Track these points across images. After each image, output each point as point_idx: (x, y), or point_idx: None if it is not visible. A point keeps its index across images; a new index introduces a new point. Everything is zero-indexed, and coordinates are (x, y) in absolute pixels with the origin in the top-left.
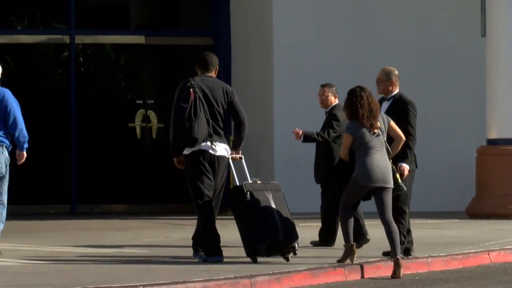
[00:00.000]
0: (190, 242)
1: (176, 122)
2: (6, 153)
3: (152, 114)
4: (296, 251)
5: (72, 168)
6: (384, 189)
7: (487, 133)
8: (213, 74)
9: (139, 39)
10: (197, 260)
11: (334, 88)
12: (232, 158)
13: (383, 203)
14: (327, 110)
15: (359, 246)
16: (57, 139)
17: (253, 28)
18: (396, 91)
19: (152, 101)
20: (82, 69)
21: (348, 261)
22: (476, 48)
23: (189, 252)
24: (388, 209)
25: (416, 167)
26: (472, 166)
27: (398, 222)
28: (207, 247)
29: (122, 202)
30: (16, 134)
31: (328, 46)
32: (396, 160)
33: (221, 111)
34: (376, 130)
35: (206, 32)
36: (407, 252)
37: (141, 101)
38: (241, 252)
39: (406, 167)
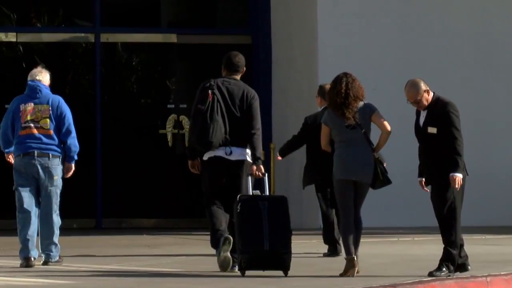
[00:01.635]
0: None
1: (192, 124)
2: (61, 165)
3: (184, 120)
4: (289, 266)
5: (97, 178)
6: (360, 184)
7: None
8: (238, 76)
9: (170, 38)
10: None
11: None
12: (252, 175)
13: (357, 196)
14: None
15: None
16: (80, 146)
17: (295, 26)
18: (431, 97)
19: (185, 106)
20: (108, 71)
21: (349, 274)
22: None
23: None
24: (358, 205)
25: (467, 174)
26: None
27: (448, 236)
28: (215, 244)
29: (152, 216)
30: (68, 142)
31: (377, 46)
32: (445, 169)
33: (240, 116)
34: (349, 122)
35: (245, 30)
36: (463, 267)
37: (172, 106)
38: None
39: (458, 176)
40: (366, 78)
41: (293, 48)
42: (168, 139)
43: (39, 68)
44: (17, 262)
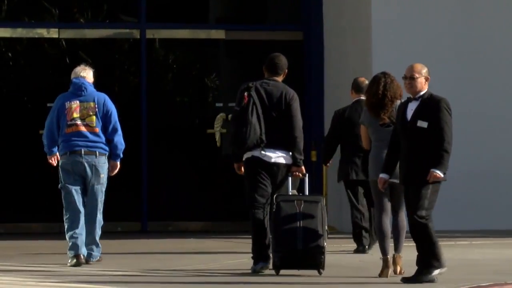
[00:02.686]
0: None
1: (231, 126)
2: (107, 163)
3: None
4: (323, 266)
5: (142, 180)
6: (395, 184)
7: None
8: (280, 78)
9: (219, 34)
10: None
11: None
12: (294, 175)
13: (394, 198)
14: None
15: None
16: (125, 147)
17: (348, 21)
18: (425, 89)
19: (234, 104)
20: (154, 68)
21: (384, 275)
22: None
23: (277, 276)
24: (399, 204)
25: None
26: None
27: (422, 236)
28: (253, 255)
29: (199, 219)
30: (115, 140)
31: (434, 40)
32: (428, 165)
33: (278, 117)
34: (384, 122)
35: (296, 26)
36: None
37: (221, 104)
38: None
39: (438, 174)
40: None
41: (346, 43)
42: (217, 139)
43: (82, 66)
44: (59, 266)
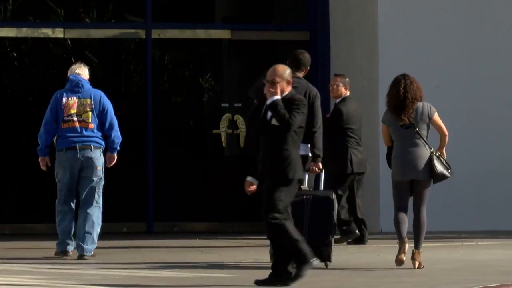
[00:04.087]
0: None
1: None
2: (103, 156)
3: (239, 119)
4: (329, 258)
5: (148, 180)
6: (416, 182)
7: None
8: (301, 73)
9: (225, 34)
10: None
11: (347, 79)
12: (310, 170)
13: (416, 195)
14: (336, 102)
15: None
16: (131, 147)
17: (355, 21)
18: (289, 90)
19: (240, 104)
20: (160, 68)
21: (400, 258)
22: None
23: None
24: (420, 201)
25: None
26: None
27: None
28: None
29: (205, 219)
30: (112, 135)
31: (441, 41)
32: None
33: None
34: (404, 123)
35: (302, 26)
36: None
37: (226, 104)
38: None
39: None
40: (429, 75)
41: (353, 44)
42: (222, 140)
43: (78, 64)
44: (64, 267)
